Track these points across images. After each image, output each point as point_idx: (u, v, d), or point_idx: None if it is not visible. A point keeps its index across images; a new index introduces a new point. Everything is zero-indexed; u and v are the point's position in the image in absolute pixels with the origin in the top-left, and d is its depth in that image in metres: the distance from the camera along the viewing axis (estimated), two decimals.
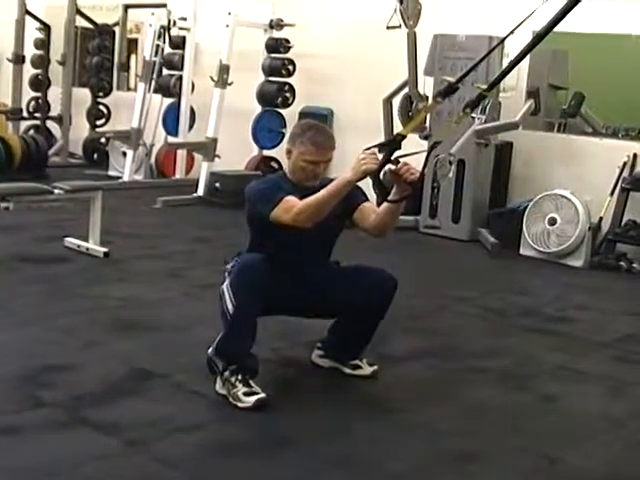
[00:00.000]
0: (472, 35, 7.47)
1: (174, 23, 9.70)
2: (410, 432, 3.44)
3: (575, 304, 5.74)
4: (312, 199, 3.47)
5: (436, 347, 4.60)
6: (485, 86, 3.96)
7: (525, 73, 7.81)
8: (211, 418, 3.47)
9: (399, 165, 3.47)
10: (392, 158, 3.46)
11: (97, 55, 11.08)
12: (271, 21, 9.38)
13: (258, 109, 9.36)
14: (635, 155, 7.29)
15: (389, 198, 3.57)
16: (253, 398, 3.48)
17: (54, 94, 11.17)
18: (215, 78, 8.98)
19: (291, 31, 9.32)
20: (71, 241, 6.18)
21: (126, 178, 9.69)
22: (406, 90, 7.87)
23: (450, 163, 6.21)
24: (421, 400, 3.79)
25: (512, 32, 3.40)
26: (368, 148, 3.45)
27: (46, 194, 6.00)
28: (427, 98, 7.63)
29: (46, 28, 11.26)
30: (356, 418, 3.51)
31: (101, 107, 11.26)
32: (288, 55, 9.26)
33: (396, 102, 8.09)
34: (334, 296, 3.79)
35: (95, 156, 11.04)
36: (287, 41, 9.27)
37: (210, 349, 3.65)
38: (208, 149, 9.00)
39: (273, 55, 9.31)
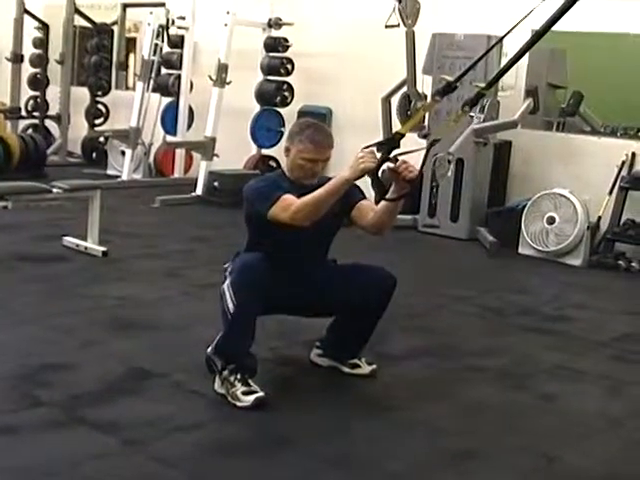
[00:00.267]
0: (470, 34, 7.47)
1: (173, 22, 9.70)
2: (409, 431, 3.44)
3: (573, 303, 5.75)
4: (310, 197, 3.47)
5: (435, 346, 4.60)
6: (483, 84, 3.95)
7: (524, 72, 7.81)
8: (210, 417, 3.47)
9: (397, 163, 3.47)
10: (390, 156, 3.46)
11: (96, 54, 11.08)
12: (270, 20, 9.38)
13: (257, 108, 9.36)
14: (634, 154, 7.29)
15: (387, 196, 3.57)
16: (252, 397, 3.48)
17: (53, 93, 11.18)
18: (214, 77, 8.98)
19: (290, 30, 9.32)
20: (70, 240, 6.17)
21: (125, 177, 9.69)
22: (405, 89, 7.87)
23: (449, 162, 6.18)
24: (420, 399, 3.79)
25: (510, 31, 3.40)
26: (367, 147, 3.45)
27: (45, 193, 6.00)
28: (426, 97, 7.62)
29: (45, 27, 11.27)
30: (355, 417, 3.51)
31: (100, 106, 11.27)
32: (287, 54, 9.26)
33: (395, 101, 8.09)
34: (332, 294, 3.80)
35: (94, 155, 11.04)
36: (286, 40, 9.27)
37: (209, 348, 3.65)
38: (207, 148, 9.00)
39: (272, 54, 9.31)
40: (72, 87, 11.03)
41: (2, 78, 11.84)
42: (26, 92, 11.43)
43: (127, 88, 11.84)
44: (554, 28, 3.20)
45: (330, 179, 3.55)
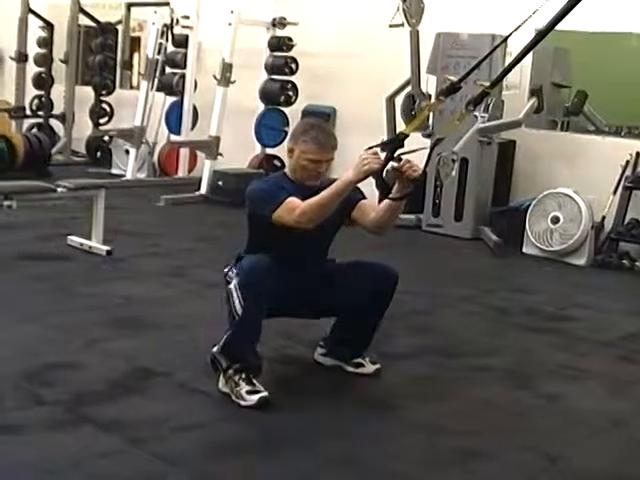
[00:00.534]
0: (475, 33, 7.46)
1: (177, 21, 9.72)
2: (412, 430, 3.44)
3: (577, 303, 5.74)
4: (314, 200, 3.46)
5: (438, 345, 4.59)
6: (488, 83, 3.95)
7: (528, 71, 7.81)
8: (213, 417, 3.47)
9: (401, 162, 3.46)
10: (394, 155, 3.46)
11: (100, 53, 11.08)
12: (274, 19, 9.38)
13: (261, 107, 9.36)
14: (638, 154, 7.27)
15: (391, 195, 3.56)
16: (256, 397, 3.48)
17: (57, 92, 11.19)
18: (218, 76, 8.98)
19: (294, 29, 9.31)
20: (74, 239, 6.18)
21: (129, 176, 9.70)
22: (409, 88, 7.87)
23: (453, 161, 6.23)
24: (423, 398, 3.78)
25: (515, 30, 3.39)
26: (370, 147, 3.45)
27: (49, 192, 6.00)
28: (430, 96, 7.63)
29: (49, 27, 11.27)
30: (358, 417, 3.51)
31: (104, 105, 11.27)
32: (291, 53, 9.25)
33: (399, 100, 8.09)
34: (335, 294, 3.79)
35: (98, 154, 11.05)
36: (290, 39, 9.26)
37: (215, 347, 3.64)
38: (211, 147, 9.00)
39: (276, 53, 9.30)
40: (77, 86, 11.04)
41: (7, 77, 11.88)
42: (31, 91, 11.45)
43: (131, 87, 11.85)
44: (558, 27, 3.20)
45: (334, 181, 3.55)
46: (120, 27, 11.40)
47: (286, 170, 3.82)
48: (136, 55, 11.95)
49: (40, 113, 11.37)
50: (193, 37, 9.59)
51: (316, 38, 9.25)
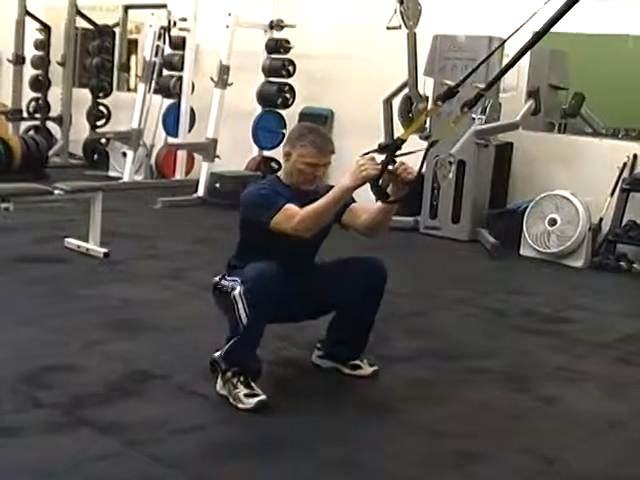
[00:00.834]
0: (472, 35, 7.47)
1: (174, 24, 9.72)
2: (410, 433, 3.44)
3: (575, 305, 5.74)
4: (312, 208, 3.46)
5: (436, 348, 4.60)
6: (483, 85, 3.95)
7: (525, 73, 7.81)
8: (211, 419, 3.47)
9: (396, 165, 3.47)
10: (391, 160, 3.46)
11: (97, 56, 11.08)
12: (271, 22, 9.38)
13: (258, 110, 9.36)
14: (635, 156, 7.28)
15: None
16: (254, 400, 3.48)
17: (54, 95, 11.19)
18: (215, 79, 8.99)
19: (291, 32, 9.32)
20: (71, 242, 6.18)
21: (126, 179, 9.69)
22: (406, 91, 7.87)
23: (450, 164, 6.21)
24: (421, 401, 3.78)
25: (513, 34, 3.40)
26: (366, 153, 3.45)
27: (46, 195, 6.00)
28: (427, 99, 7.62)
29: (46, 29, 11.28)
30: (356, 419, 3.51)
31: (101, 108, 11.27)
32: (288, 56, 9.26)
33: (396, 103, 8.09)
34: (328, 293, 3.79)
35: (95, 157, 11.05)
36: (287, 42, 9.27)
37: (217, 353, 3.62)
38: (208, 150, 9.00)
39: (273, 56, 9.31)
40: (74, 89, 11.03)
41: (4, 80, 11.88)
42: (28, 94, 11.44)
43: (129, 90, 11.84)
44: (556, 30, 3.21)
45: (329, 186, 3.56)
46: (117, 29, 11.40)
47: (280, 174, 3.80)
48: (133, 57, 11.94)
49: (37, 115, 11.38)
50: (190, 39, 9.59)
51: (313, 40, 9.24)
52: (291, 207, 3.50)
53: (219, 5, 9.42)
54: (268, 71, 9.30)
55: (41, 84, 11.36)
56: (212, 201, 8.57)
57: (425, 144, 6.99)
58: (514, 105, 7.57)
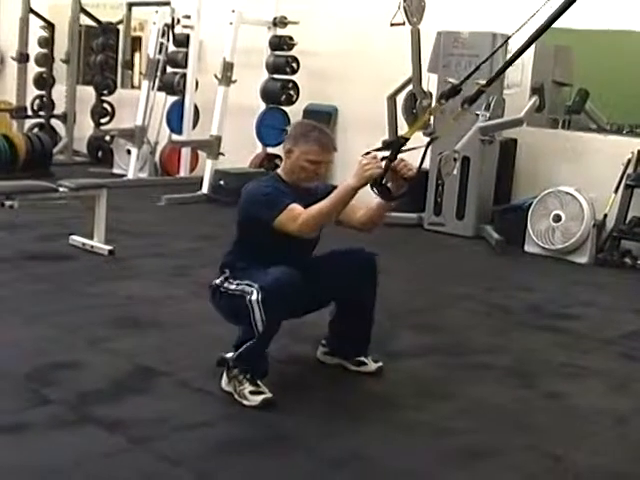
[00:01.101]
0: (475, 32, 7.46)
1: (178, 21, 9.74)
2: (415, 429, 3.44)
3: (580, 301, 5.74)
4: (317, 209, 3.46)
5: (441, 344, 4.59)
6: (484, 82, 3.95)
7: (530, 69, 7.80)
8: (216, 416, 3.47)
9: (396, 161, 3.47)
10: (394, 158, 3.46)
11: (101, 53, 11.10)
12: (275, 19, 9.37)
13: (262, 107, 9.36)
14: (639, 152, 7.27)
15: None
16: (260, 397, 3.48)
17: (58, 92, 11.21)
18: (219, 76, 8.99)
19: (295, 28, 9.32)
20: (76, 239, 6.18)
21: (130, 176, 9.70)
22: (410, 87, 7.86)
23: (454, 160, 6.21)
24: (426, 397, 3.79)
25: (517, 31, 3.39)
26: (367, 152, 3.45)
27: (51, 192, 6.01)
28: (431, 95, 7.62)
29: (50, 27, 11.30)
30: (361, 416, 3.51)
31: (105, 105, 11.29)
32: (292, 53, 9.26)
33: (400, 99, 8.08)
34: (323, 289, 3.79)
35: (99, 154, 11.07)
36: (291, 39, 9.27)
37: (229, 354, 3.62)
38: (212, 147, 9.01)
39: (277, 53, 9.30)
40: (78, 86, 11.05)
41: (8, 77, 11.89)
42: (32, 91, 11.47)
43: (133, 87, 11.87)
44: (560, 25, 3.21)
45: (329, 185, 3.55)
46: (121, 27, 11.42)
47: (279, 171, 3.78)
48: (137, 55, 11.96)
49: (41, 113, 11.40)
50: (194, 36, 9.59)
51: (317, 37, 9.25)
52: (295, 207, 3.49)
53: (223, 2, 9.43)
54: (272, 68, 9.29)
55: (45, 82, 11.38)
56: (216, 198, 8.57)
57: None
58: (518, 101, 7.57)
